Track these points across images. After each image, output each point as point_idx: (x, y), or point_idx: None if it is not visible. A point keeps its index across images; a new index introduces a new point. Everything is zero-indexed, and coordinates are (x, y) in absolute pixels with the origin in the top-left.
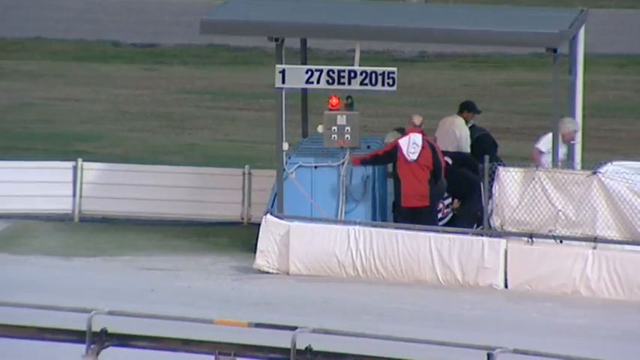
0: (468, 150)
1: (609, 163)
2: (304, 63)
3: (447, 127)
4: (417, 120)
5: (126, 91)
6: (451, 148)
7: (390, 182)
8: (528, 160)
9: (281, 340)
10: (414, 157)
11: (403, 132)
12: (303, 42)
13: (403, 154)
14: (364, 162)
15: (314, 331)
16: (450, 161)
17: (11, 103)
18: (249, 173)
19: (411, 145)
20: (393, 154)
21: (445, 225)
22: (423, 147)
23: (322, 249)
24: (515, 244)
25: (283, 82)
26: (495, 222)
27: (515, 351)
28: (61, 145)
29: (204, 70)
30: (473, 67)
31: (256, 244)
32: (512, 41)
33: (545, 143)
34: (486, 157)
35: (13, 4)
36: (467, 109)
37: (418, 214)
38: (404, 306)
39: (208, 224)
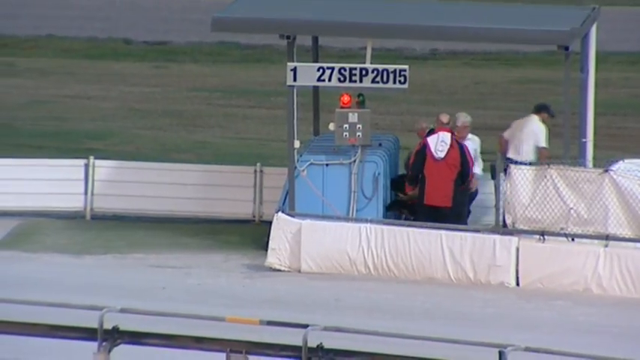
0: (544, 144)
1: (621, 161)
2: (316, 61)
3: (522, 124)
4: (445, 118)
5: (137, 89)
6: (526, 146)
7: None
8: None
9: (292, 337)
10: (442, 155)
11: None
12: (315, 40)
13: (431, 152)
14: (411, 180)
15: (325, 328)
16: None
17: (23, 100)
18: (261, 171)
19: (439, 143)
20: (422, 152)
21: None
22: (451, 146)
23: (334, 247)
24: (527, 242)
25: (295, 79)
26: (507, 220)
27: (527, 349)
28: (72, 142)
29: (215, 67)
30: (484, 64)
31: (268, 242)
32: (524, 39)
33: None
34: (499, 156)
35: (25, 3)
36: (544, 110)
37: (439, 214)
38: (415, 304)
39: (219, 222)
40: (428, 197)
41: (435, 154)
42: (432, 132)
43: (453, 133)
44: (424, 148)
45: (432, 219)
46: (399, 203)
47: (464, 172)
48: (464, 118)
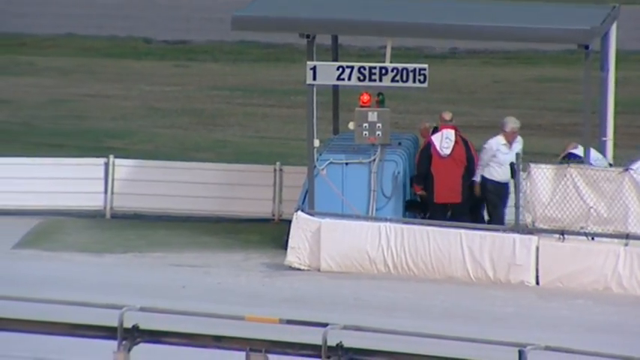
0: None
1: None
2: (335, 60)
3: None
4: (447, 115)
5: (157, 88)
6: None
7: None
8: (558, 157)
9: (312, 336)
10: (447, 152)
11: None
12: (335, 39)
13: (436, 150)
14: (418, 180)
15: (345, 327)
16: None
17: (43, 99)
18: (281, 170)
19: (444, 140)
20: (427, 151)
21: None
22: (456, 142)
23: (353, 245)
24: (547, 241)
25: (314, 78)
26: (527, 219)
27: (547, 348)
28: (92, 141)
29: (235, 66)
30: (504, 63)
31: (287, 241)
32: (544, 38)
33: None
34: (519, 154)
35: (46, 1)
36: None
37: (451, 211)
38: (435, 303)
39: (239, 221)
40: (438, 195)
41: (440, 151)
42: (435, 130)
43: (457, 130)
44: (429, 147)
45: (445, 216)
46: (414, 204)
47: (470, 168)
48: (513, 124)
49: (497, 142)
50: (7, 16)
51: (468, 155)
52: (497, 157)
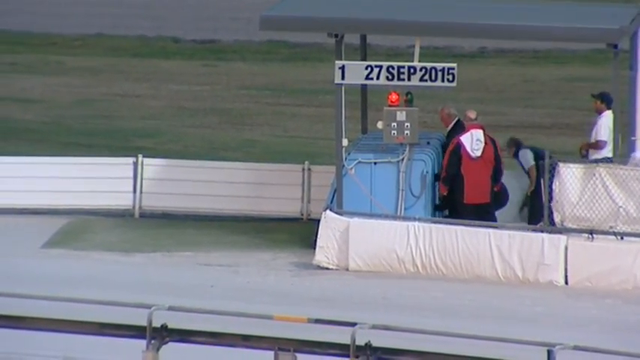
0: (604, 138)
1: None
2: (364, 59)
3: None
4: (473, 114)
5: (186, 87)
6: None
7: None
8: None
9: (340, 336)
10: (478, 153)
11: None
12: (363, 38)
13: (467, 151)
14: (445, 181)
15: (373, 327)
16: None
17: (72, 99)
18: (309, 169)
19: (474, 142)
20: (457, 152)
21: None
22: (485, 143)
23: (382, 245)
24: (576, 241)
25: (343, 78)
26: (555, 218)
27: (576, 348)
28: (121, 141)
29: (264, 66)
30: (533, 62)
31: (315, 240)
32: (573, 37)
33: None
34: (547, 153)
35: (75, 1)
36: (600, 99)
37: (481, 211)
38: (463, 302)
39: (267, 220)
40: (468, 196)
41: (471, 153)
42: (458, 123)
43: (483, 129)
44: (459, 148)
45: (474, 217)
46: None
47: (497, 168)
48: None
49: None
50: (36, 16)
51: (496, 155)
52: None
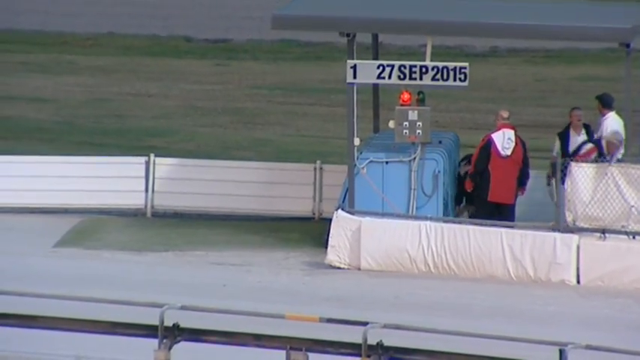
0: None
1: None
2: (376, 58)
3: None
4: (505, 114)
5: (197, 87)
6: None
7: None
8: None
9: (352, 335)
10: (508, 152)
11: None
12: (375, 37)
13: (497, 149)
14: (474, 176)
15: (385, 326)
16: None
17: (84, 98)
18: (321, 168)
19: (505, 141)
20: (487, 149)
21: None
22: (515, 143)
23: (393, 244)
24: (588, 240)
25: (355, 77)
26: (567, 217)
27: (588, 347)
28: (133, 140)
29: (276, 65)
30: (545, 62)
31: (327, 240)
32: (585, 36)
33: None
34: (559, 153)
35: (87, 1)
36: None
37: (501, 211)
38: (475, 302)
39: (279, 219)
40: (493, 194)
41: (501, 151)
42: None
43: (515, 129)
44: (489, 145)
45: (494, 215)
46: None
47: (524, 171)
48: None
49: None
50: (48, 16)
51: (524, 157)
52: None
